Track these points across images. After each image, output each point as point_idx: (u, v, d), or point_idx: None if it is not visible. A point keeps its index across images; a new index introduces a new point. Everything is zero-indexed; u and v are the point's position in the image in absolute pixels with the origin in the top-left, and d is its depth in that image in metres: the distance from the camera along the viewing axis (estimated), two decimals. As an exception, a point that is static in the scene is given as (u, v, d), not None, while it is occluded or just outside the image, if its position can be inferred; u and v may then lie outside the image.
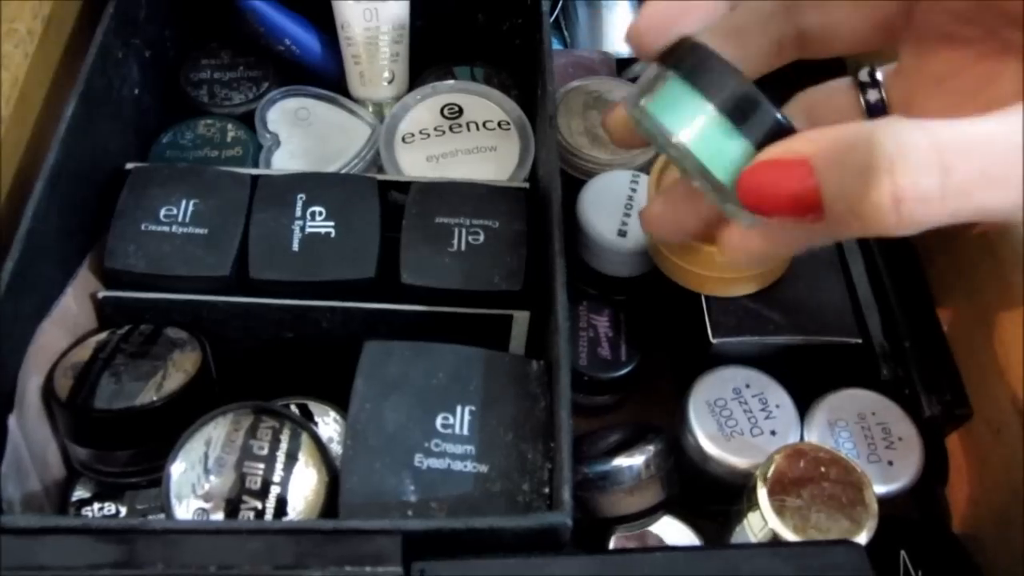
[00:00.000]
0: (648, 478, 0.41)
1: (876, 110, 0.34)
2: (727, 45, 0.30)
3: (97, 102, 0.43)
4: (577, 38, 0.62)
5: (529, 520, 0.31)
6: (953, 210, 0.23)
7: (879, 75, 0.34)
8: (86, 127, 0.42)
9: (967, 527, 0.43)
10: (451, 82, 0.51)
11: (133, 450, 0.38)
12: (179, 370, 0.39)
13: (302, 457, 0.36)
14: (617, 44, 0.61)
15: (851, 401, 0.43)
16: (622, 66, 0.58)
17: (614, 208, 0.47)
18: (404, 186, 0.44)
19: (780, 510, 0.36)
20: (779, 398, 0.42)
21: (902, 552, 0.41)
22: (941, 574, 0.40)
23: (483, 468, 0.34)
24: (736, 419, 0.42)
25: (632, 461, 0.41)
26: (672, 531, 0.42)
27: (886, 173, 0.22)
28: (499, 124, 0.49)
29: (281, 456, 0.36)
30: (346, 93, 0.52)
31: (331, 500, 0.35)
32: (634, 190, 0.47)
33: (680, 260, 0.41)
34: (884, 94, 0.34)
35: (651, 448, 0.41)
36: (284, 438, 0.36)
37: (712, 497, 0.42)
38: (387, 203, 0.44)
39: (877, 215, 0.23)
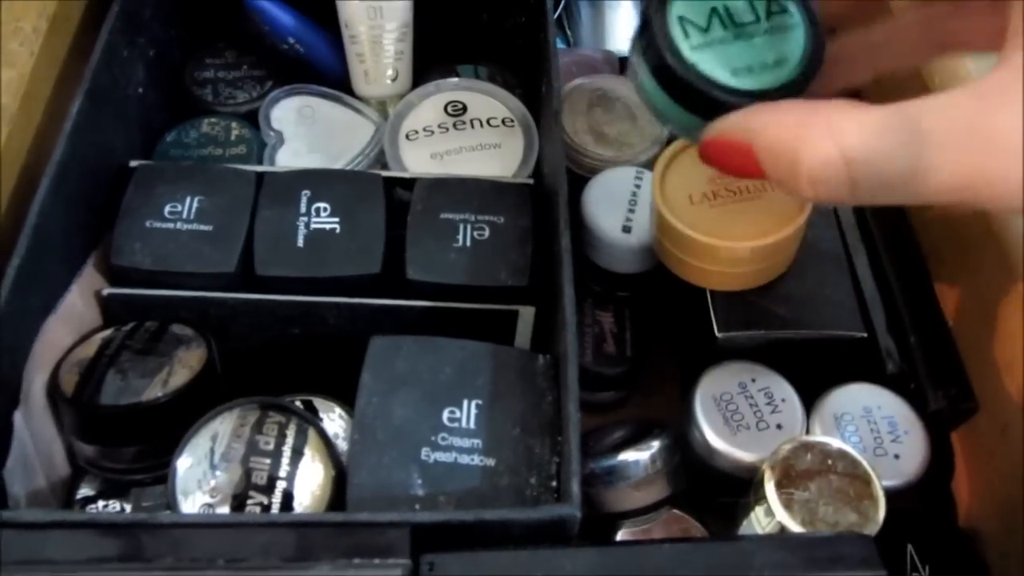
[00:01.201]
0: (654, 473, 0.41)
1: None
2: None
3: (102, 100, 0.43)
4: (580, 37, 0.62)
5: (539, 512, 0.31)
6: (868, 201, 0.28)
7: None
8: (91, 125, 0.42)
9: (973, 521, 0.43)
10: (455, 80, 0.51)
11: (138, 447, 0.38)
12: (184, 367, 0.39)
13: (308, 452, 0.36)
14: (620, 43, 0.61)
15: (856, 395, 0.42)
16: (625, 65, 0.58)
17: (618, 205, 0.47)
18: (409, 183, 0.44)
19: (788, 503, 0.36)
20: (785, 392, 0.42)
21: (909, 546, 0.41)
22: (947, 568, 0.40)
23: (490, 462, 0.34)
24: (742, 413, 0.42)
25: (638, 456, 0.41)
26: (678, 526, 0.42)
27: (807, 183, 0.28)
28: (503, 121, 0.49)
29: (287, 451, 0.36)
30: (350, 91, 0.52)
31: (337, 495, 0.35)
32: (638, 187, 0.47)
33: (683, 254, 0.41)
34: None
35: (657, 443, 0.41)
36: (290, 433, 0.36)
37: (718, 491, 0.42)
38: (392, 200, 0.44)
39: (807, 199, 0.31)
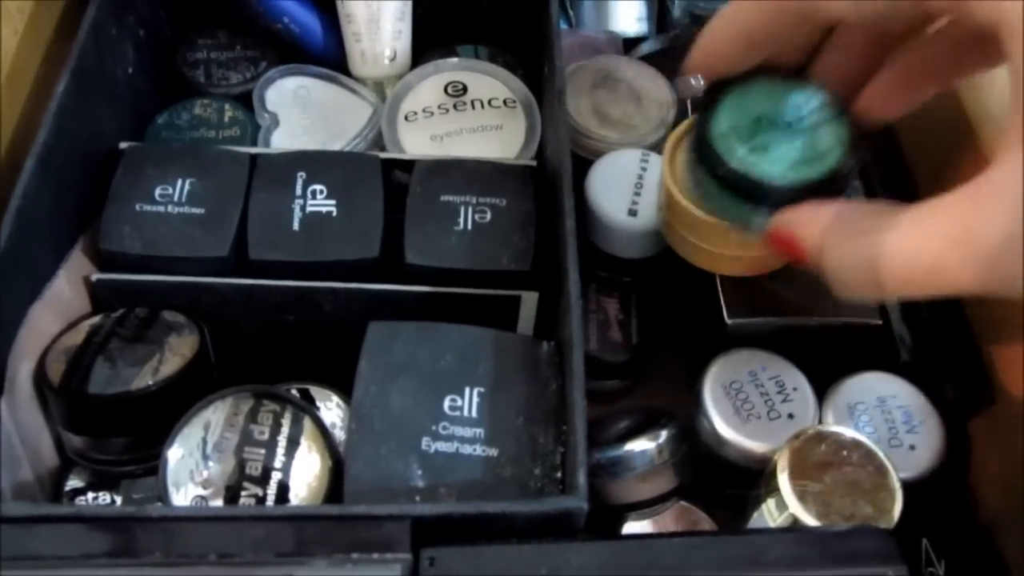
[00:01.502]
0: (661, 464, 0.40)
1: None
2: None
3: (90, 81, 0.42)
4: (582, 18, 0.60)
5: (544, 505, 0.29)
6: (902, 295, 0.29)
7: None
8: (78, 106, 0.40)
9: (990, 515, 0.42)
10: (455, 60, 0.50)
11: (128, 437, 0.37)
12: (176, 354, 0.37)
13: (304, 442, 0.35)
14: (623, 24, 0.59)
15: (871, 384, 0.41)
16: (629, 46, 0.57)
17: (624, 188, 0.45)
18: (408, 165, 0.43)
19: (801, 495, 0.35)
20: (796, 381, 0.41)
21: (924, 540, 0.39)
22: (963, 562, 0.39)
23: (492, 452, 0.33)
24: (752, 402, 0.40)
25: (645, 446, 0.40)
26: (686, 518, 0.41)
27: (841, 285, 0.29)
28: (505, 102, 0.47)
29: (282, 441, 0.34)
30: (347, 72, 0.50)
31: (334, 487, 0.33)
32: (644, 169, 0.46)
33: (693, 237, 0.40)
34: None
35: (664, 433, 0.40)
36: (285, 422, 0.35)
37: (727, 483, 0.41)
38: (391, 182, 0.42)
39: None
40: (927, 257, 0.26)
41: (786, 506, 0.35)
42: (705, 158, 0.34)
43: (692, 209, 0.38)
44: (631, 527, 0.40)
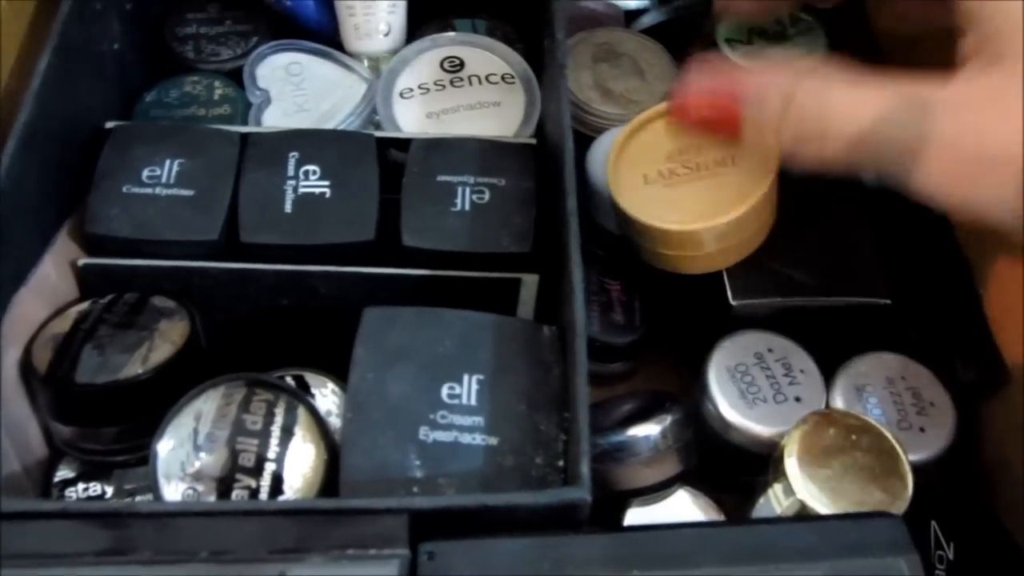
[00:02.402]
0: (665, 449, 0.39)
1: None
2: None
3: (74, 56, 0.40)
4: (582, -10, 0.59)
5: (546, 496, 0.28)
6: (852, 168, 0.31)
7: None
8: (63, 83, 0.39)
9: (1002, 498, 0.41)
10: (451, 34, 0.48)
11: (119, 427, 0.36)
12: (166, 341, 0.36)
13: (299, 432, 0.34)
14: (625, -5, 0.58)
15: (879, 365, 0.40)
16: (630, 18, 0.55)
17: (626, 165, 0.44)
18: (404, 143, 0.41)
19: (810, 481, 0.34)
20: (803, 363, 0.40)
21: (933, 523, 0.39)
22: (974, 546, 0.39)
23: (493, 441, 0.32)
24: (759, 385, 0.40)
25: (648, 431, 0.39)
26: (690, 505, 0.40)
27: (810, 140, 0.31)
28: (503, 78, 0.46)
29: (276, 431, 0.33)
30: (340, 47, 0.49)
31: (331, 477, 0.33)
32: (647, 146, 0.45)
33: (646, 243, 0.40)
34: None
35: (668, 418, 0.39)
36: (279, 412, 0.34)
37: (733, 468, 0.40)
38: (386, 162, 0.41)
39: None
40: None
41: (793, 492, 0.34)
42: None
43: (640, 217, 0.38)
44: (634, 513, 0.40)
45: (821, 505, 0.34)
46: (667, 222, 0.37)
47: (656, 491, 0.40)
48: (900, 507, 0.34)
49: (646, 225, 0.38)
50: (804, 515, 0.34)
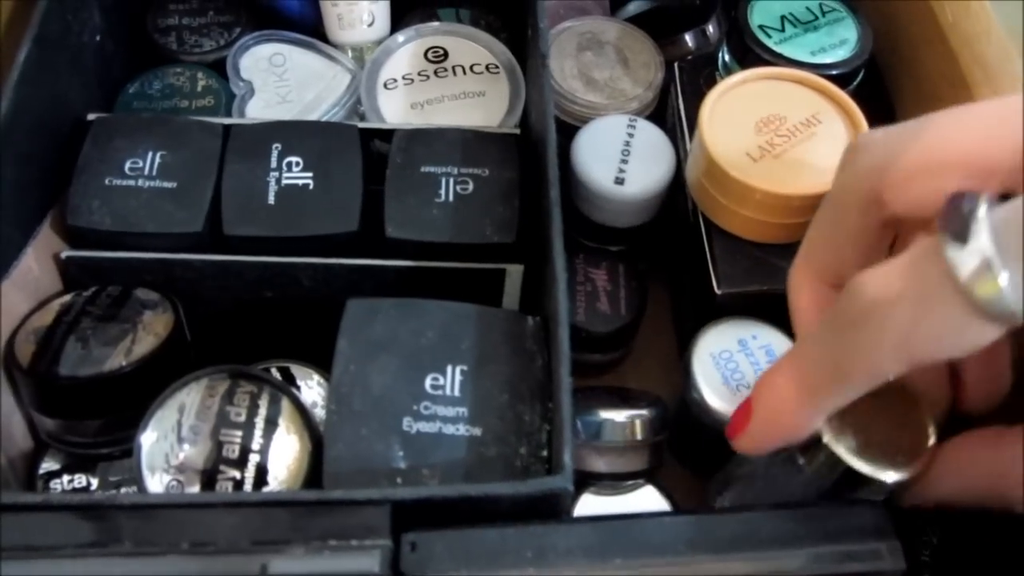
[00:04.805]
0: (633, 441, 0.39)
1: None
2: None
3: (54, 47, 0.40)
4: (568, -22, 0.59)
5: (528, 487, 0.28)
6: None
7: None
8: (43, 74, 0.39)
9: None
10: (435, 24, 0.48)
11: (103, 419, 0.36)
12: (150, 333, 0.36)
13: (283, 423, 0.34)
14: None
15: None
16: (616, 6, 0.55)
17: (611, 154, 0.44)
18: (387, 134, 0.41)
19: (848, 445, 0.33)
20: (786, 349, 0.40)
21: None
22: (957, 532, 0.39)
23: (476, 431, 0.32)
24: (742, 372, 0.40)
25: (620, 419, 0.39)
26: (656, 503, 0.40)
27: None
28: (487, 68, 0.46)
29: (260, 422, 0.33)
30: (324, 38, 0.49)
31: (315, 469, 0.33)
32: (631, 135, 0.44)
33: (727, 200, 0.39)
34: None
35: (645, 412, 0.39)
36: (263, 403, 0.34)
37: (717, 454, 0.40)
38: (370, 153, 0.41)
39: None
40: None
41: (841, 461, 0.33)
42: (743, 51, 0.44)
43: (728, 169, 0.38)
44: (588, 500, 0.39)
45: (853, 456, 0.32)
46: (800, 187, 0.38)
47: (615, 481, 0.40)
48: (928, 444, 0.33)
49: (779, 195, 0.38)
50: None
